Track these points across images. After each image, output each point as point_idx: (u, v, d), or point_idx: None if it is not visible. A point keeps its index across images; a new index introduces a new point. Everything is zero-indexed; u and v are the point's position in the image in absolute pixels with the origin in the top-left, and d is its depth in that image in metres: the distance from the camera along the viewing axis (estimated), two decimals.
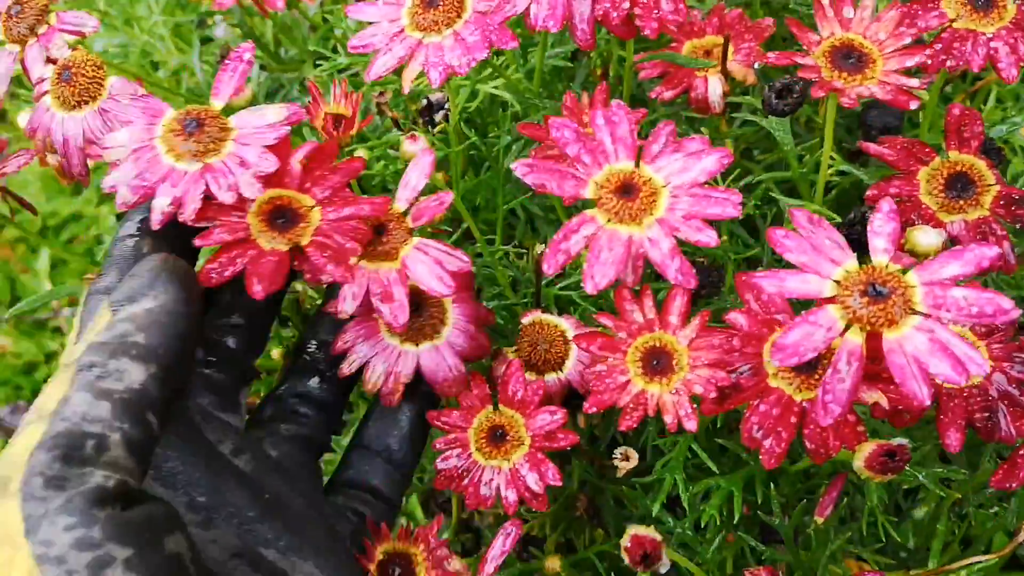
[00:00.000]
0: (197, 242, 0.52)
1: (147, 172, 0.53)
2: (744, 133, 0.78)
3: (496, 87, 0.71)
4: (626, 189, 0.52)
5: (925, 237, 0.52)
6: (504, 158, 0.73)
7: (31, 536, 0.41)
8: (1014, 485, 0.57)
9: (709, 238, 0.51)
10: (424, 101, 0.71)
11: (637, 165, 0.53)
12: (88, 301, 0.51)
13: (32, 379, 1.62)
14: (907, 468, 0.63)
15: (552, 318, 0.64)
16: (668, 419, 0.55)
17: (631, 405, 0.56)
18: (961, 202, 0.60)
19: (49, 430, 0.43)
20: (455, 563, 0.60)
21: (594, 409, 0.57)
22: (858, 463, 0.53)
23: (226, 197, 0.52)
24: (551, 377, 0.63)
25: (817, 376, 0.53)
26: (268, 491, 0.55)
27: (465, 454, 0.60)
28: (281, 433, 0.59)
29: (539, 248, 0.68)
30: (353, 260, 0.55)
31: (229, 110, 0.56)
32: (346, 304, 0.56)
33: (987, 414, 0.56)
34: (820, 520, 0.67)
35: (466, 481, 0.60)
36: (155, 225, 0.51)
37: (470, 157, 0.80)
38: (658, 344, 0.57)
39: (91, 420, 0.43)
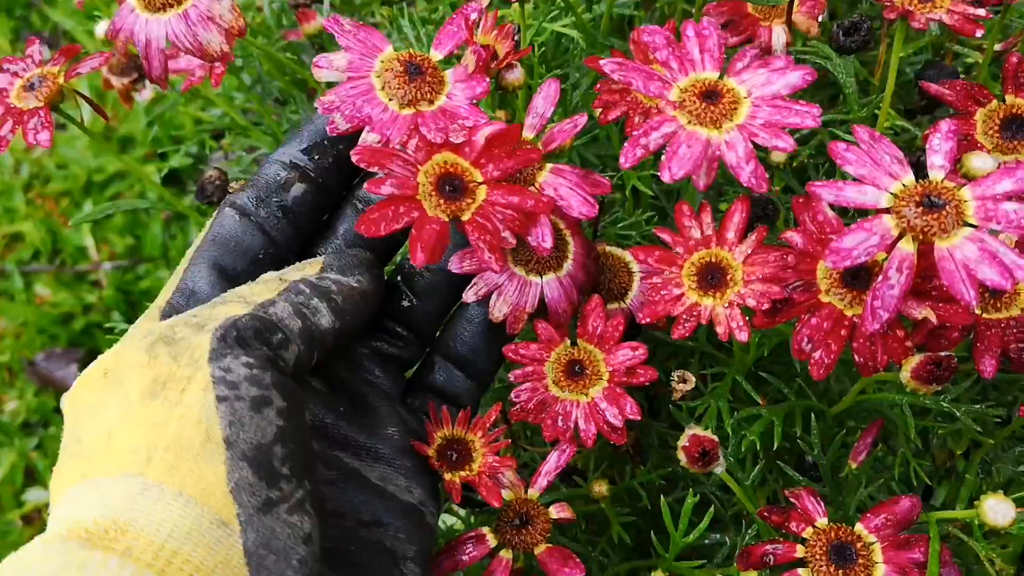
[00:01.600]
0: (369, 188, 0.54)
1: (362, 105, 0.57)
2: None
3: (564, 25, 0.74)
4: (709, 95, 0.55)
5: (980, 162, 0.54)
6: (571, 95, 0.75)
7: (214, 362, 0.48)
8: None
9: (786, 144, 0.53)
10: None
11: (721, 77, 0.56)
12: (221, 209, 0.58)
13: (68, 328, 1.65)
14: (944, 404, 0.65)
15: (616, 250, 0.66)
16: (720, 330, 0.57)
17: (684, 316, 0.58)
18: (1015, 142, 0.62)
19: (253, 312, 0.51)
20: (509, 475, 0.62)
21: (648, 320, 0.59)
22: (905, 374, 0.55)
23: (435, 137, 0.55)
24: (613, 307, 0.65)
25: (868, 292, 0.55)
26: (351, 397, 0.59)
27: (541, 387, 0.61)
28: (372, 348, 0.61)
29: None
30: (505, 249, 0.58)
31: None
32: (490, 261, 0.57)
33: (1022, 345, 0.58)
34: (854, 465, 0.69)
35: (544, 413, 0.61)
36: (355, 158, 0.54)
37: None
38: (714, 260, 0.59)
39: (285, 327, 0.51)
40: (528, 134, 0.60)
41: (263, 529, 0.46)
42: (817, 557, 0.57)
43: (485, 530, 0.61)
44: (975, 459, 0.74)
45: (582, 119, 0.60)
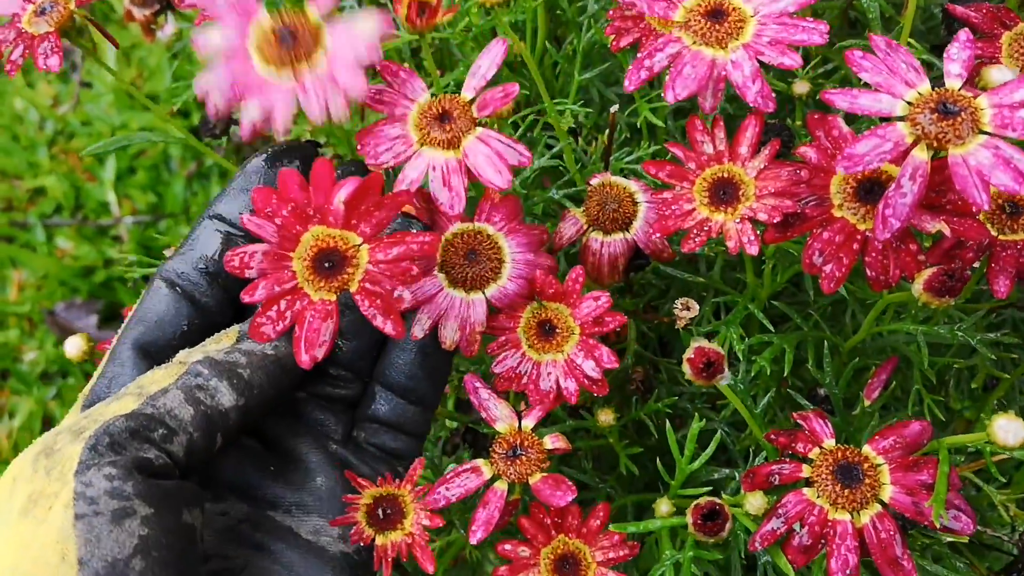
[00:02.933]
0: (244, 299, 0.53)
1: (240, 80, 0.53)
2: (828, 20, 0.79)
3: None
4: (714, 14, 0.54)
5: (999, 74, 0.54)
6: (585, 28, 0.75)
7: (78, 476, 0.48)
8: None
9: (793, 60, 0.53)
10: None
11: None
12: (200, 221, 0.58)
13: (89, 281, 1.65)
14: (960, 333, 0.65)
15: (621, 180, 0.65)
16: (730, 244, 0.56)
17: (695, 231, 0.57)
18: None
19: (139, 408, 0.51)
20: (504, 409, 0.61)
21: (658, 235, 0.58)
22: (917, 287, 0.55)
23: (314, 114, 0.51)
24: (617, 236, 0.65)
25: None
26: (282, 452, 0.58)
27: (518, 353, 0.61)
28: (312, 392, 0.60)
29: (613, 108, 0.70)
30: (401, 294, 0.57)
31: None
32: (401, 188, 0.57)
33: None
34: (868, 402, 0.68)
35: (525, 379, 0.60)
36: (244, 136, 0.52)
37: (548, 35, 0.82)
38: (726, 175, 0.58)
39: (172, 417, 0.51)
40: (467, 94, 0.59)
41: None
42: (823, 476, 0.56)
43: (480, 462, 0.60)
44: (991, 399, 0.73)
45: (513, 88, 0.58)
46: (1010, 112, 0.49)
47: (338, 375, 0.60)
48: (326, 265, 0.53)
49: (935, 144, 0.49)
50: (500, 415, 0.61)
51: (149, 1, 0.82)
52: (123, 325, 0.58)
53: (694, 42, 0.54)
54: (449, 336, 0.59)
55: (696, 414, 0.63)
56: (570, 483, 0.58)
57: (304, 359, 0.53)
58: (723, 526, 0.57)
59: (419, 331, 0.58)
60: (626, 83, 0.54)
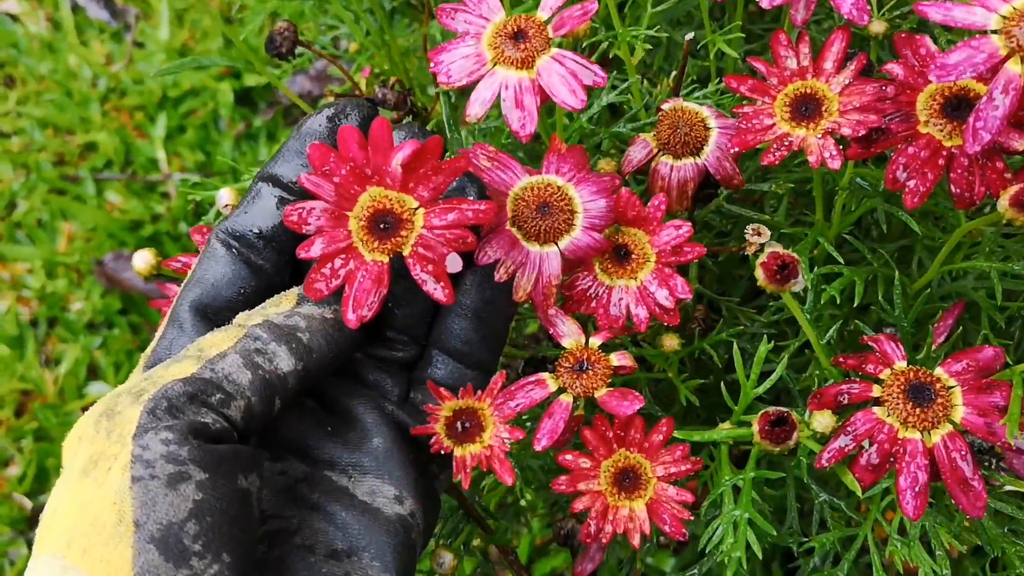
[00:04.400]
0: (300, 254, 0.52)
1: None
2: None
3: None
4: None
5: None
6: None
7: (136, 439, 0.48)
8: None
9: None
10: None
11: None
12: (255, 183, 0.57)
13: (137, 235, 1.67)
14: None
15: (693, 105, 0.65)
16: (811, 158, 0.56)
17: (775, 145, 0.57)
18: None
19: (197, 372, 0.50)
20: (571, 325, 0.61)
21: (736, 149, 0.58)
22: (1003, 202, 0.54)
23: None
24: (688, 161, 0.65)
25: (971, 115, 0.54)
26: (340, 413, 0.58)
27: (590, 276, 0.60)
28: (369, 354, 0.59)
29: (688, 35, 0.70)
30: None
31: None
32: (475, 108, 0.57)
33: None
34: (935, 346, 0.68)
35: (594, 303, 0.60)
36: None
37: None
38: (809, 91, 0.58)
39: (230, 381, 0.50)
40: (542, 14, 0.59)
41: None
42: (894, 396, 0.56)
43: (545, 375, 0.60)
44: None
45: (592, 5, 0.58)
46: None
47: (395, 338, 0.59)
48: (381, 226, 0.52)
49: None
50: (567, 331, 0.60)
51: None
52: (182, 286, 0.57)
53: None
54: (524, 287, 0.58)
55: (765, 337, 0.62)
56: (637, 394, 0.58)
57: (351, 318, 0.52)
58: (791, 433, 0.57)
59: (504, 273, 0.57)
60: None
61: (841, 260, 0.67)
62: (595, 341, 0.60)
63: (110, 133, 1.78)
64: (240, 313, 0.55)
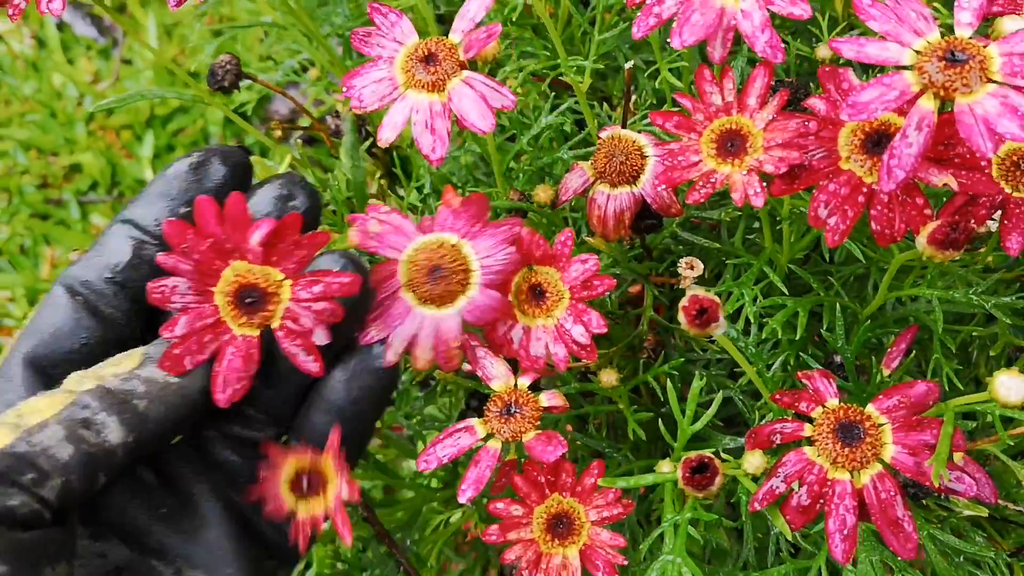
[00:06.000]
0: (164, 334, 0.49)
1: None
2: None
3: None
4: None
5: (1012, 23, 0.53)
6: None
7: None
8: None
9: (803, 10, 0.52)
10: None
11: None
12: (111, 226, 0.53)
13: None
14: (974, 297, 0.63)
15: (630, 133, 0.65)
16: (736, 196, 0.55)
17: (700, 182, 0.56)
18: None
19: (11, 445, 0.45)
20: (500, 367, 0.60)
21: (663, 186, 0.58)
22: (921, 240, 0.54)
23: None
24: (624, 190, 0.64)
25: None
26: (179, 494, 0.53)
27: (510, 319, 0.59)
28: (223, 431, 0.54)
29: (628, 64, 0.69)
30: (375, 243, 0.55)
31: None
32: (386, 132, 0.57)
33: None
34: (887, 372, 0.67)
35: (516, 345, 0.59)
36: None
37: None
38: (734, 127, 0.57)
39: (48, 457, 0.45)
40: (455, 38, 0.59)
41: None
42: (824, 435, 0.55)
43: (473, 421, 0.59)
44: (1021, 361, 0.72)
45: (496, 28, 0.58)
46: (1020, 60, 0.48)
47: (255, 416, 0.54)
48: (247, 301, 0.50)
49: (942, 93, 0.48)
50: (496, 373, 0.60)
51: None
52: (16, 336, 0.53)
53: None
54: (422, 357, 0.55)
55: (697, 373, 0.62)
56: (562, 438, 0.57)
57: (220, 397, 0.50)
58: (712, 480, 0.56)
59: (392, 356, 0.54)
60: (634, 30, 0.53)
61: (785, 291, 0.66)
62: (523, 382, 0.59)
63: (96, 154, 1.78)
64: (73, 374, 0.50)
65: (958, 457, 0.60)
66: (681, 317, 0.55)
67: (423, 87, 0.58)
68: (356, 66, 0.61)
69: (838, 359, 0.71)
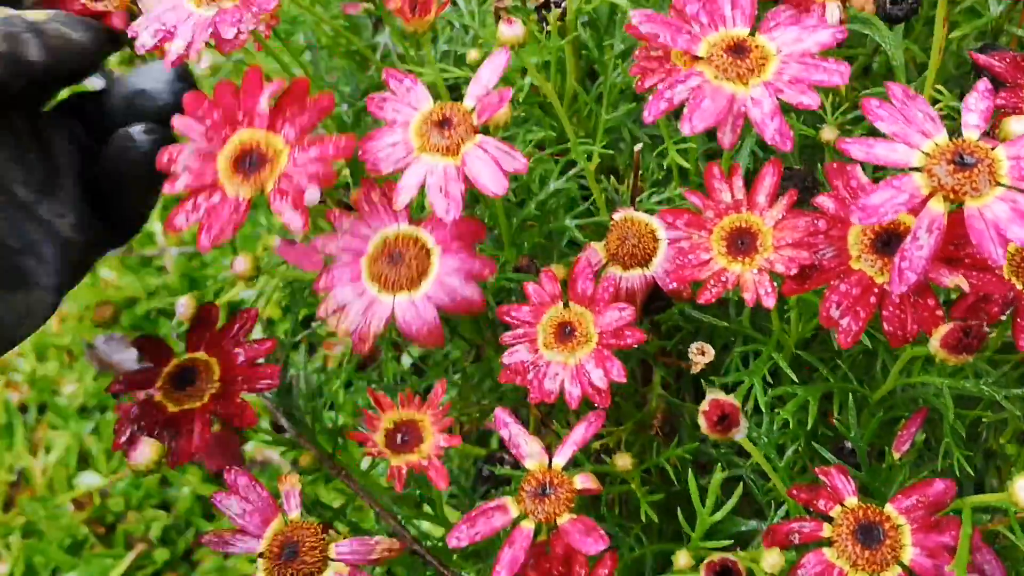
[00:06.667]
0: (165, 188, 0.55)
1: (168, 17, 0.58)
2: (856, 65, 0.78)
3: None
4: (737, 50, 0.53)
5: (1018, 125, 0.52)
6: (611, 69, 0.74)
7: None
8: None
9: (812, 100, 0.51)
10: None
11: (752, 34, 0.54)
12: None
13: (131, 312, 1.66)
14: (985, 388, 0.63)
15: (644, 216, 0.64)
16: (747, 296, 0.55)
17: (711, 281, 0.56)
18: None
19: None
20: (535, 446, 0.60)
21: (674, 284, 0.57)
22: (934, 343, 0.53)
23: (229, 33, 0.57)
24: (636, 273, 0.64)
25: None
26: (42, 146, 0.59)
27: (533, 349, 0.60)
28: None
29: (637, 147, 0.69)
30: (347, 225, 0.58)
31: None
32: (402, 196, 0.57)
33: None
34: (897, 455, 0.66)
35: (531, 375, 0.60)
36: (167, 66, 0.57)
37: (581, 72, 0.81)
38: (744, 225, 0.57)
39: None
40: (468, 103, 0.59)
41: None
42: (843, 536, 0.55)
43: (507, 499, 0.59)
44: None
45: (508, 92, 0.59)
46: None
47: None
48: (247, 164, 0.54)
49: (951, 196, 0.48)
50: (531, 451, 0.60)
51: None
52: None
53: (715, 76, 0.53)
54: (344, 326, 0.58)
55: (719, 464, 0.61)
56: (602, 532, 0.57)
57: (205, 243, 0.53)
58: None
59: (322, 312, 0.58)
60: (645, 114, 0.53)
61: (795, 377, 0.65)
62: (558, 461, 0.59)
63: None
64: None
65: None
66: (702, 421, 0.55)
67: (438, 151, 0.58)
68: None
69: (849, 445, 0.70)
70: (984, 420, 0.71)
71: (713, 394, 0.55)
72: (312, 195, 0.53)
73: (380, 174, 0.58)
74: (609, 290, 0.61)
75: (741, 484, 0.61)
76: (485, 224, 0.62)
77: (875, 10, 0.66)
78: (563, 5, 0.71)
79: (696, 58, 0.54)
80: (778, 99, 0.52)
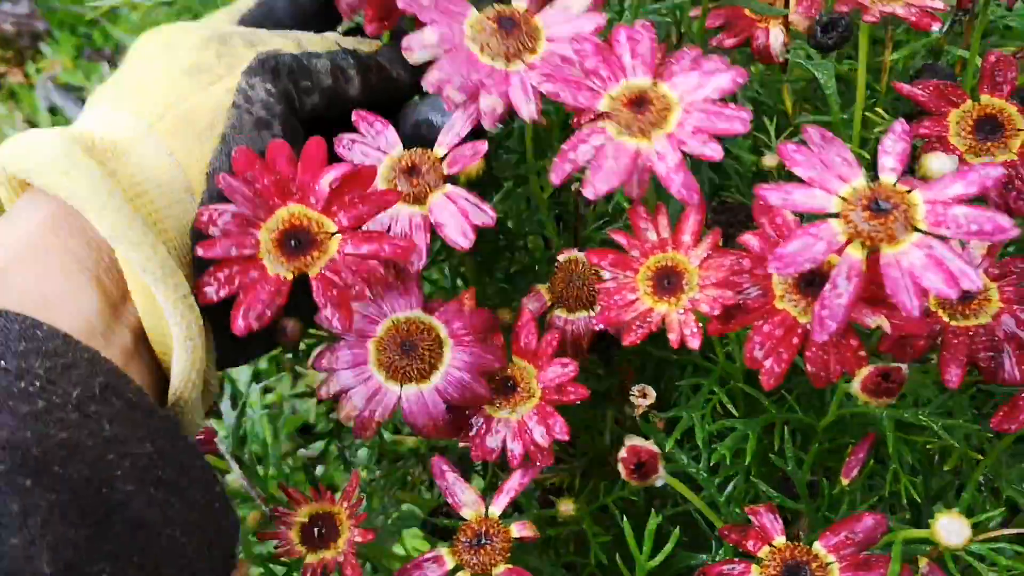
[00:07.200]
0: (199, 252, 0.52)
1: (468, 72, 0.57)
2: (799, 87, 0.78)
3: None
4: (639, 102, 0.52)
5: (938, 163, 0.52)
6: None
7: (246, 75, 0.57)
8: (1013, 427, 0.56)
9: (714, 151, 0.51)
10: None
11: (655, 83, 0.54)
12: None
13: None
14: (923, 418, 0.63)
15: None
16: (672, 336, 0.55)
17: (636, 322, 0.56)
18: (989, 144, 0.59)
19: (300, 56, 0.60)
20: (470, 494, 0.60)
21: (601, 326, 0.57)
22: (855, 387, 0.53)
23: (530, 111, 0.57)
24: (582, 315, 0.64)
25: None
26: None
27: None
28: None
29: (575, 187, 0.69)
30: (356, 306, 0.56)
31: None
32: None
33: (992, 354, 0.55)
34: (846, 482, 0.66)
35: (473, 431, 0.59)
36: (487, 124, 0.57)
37: None
38: (670, 264, 0.57)
39: (317, 78, 0.60)
40: (439, 151, 0.59)
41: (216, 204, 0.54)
42: None
43: (443, 551, 0.59)
44: (973, 477, 0.71)
45: (483, 145, 0.59)
46: (944, 209, 0.47)
47: None
48: (292, 243, 0.52)
49: (868, 242, 0.48)
50: (466, 500, 0.60)
51: None
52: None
53: (618, 132, 0.52)
54: (346, 411, 0.58)
55: (654, 506, 0.61)
56: None
57: (239, 325, 0.51)
58: None
59: (324, 392, 0.58)
60: (552, 176, 0.52)
61: (735, 411, 0.65)
62: (495, 510, 0.59)
63: None
64: (331, 33, 0.64)
65: (922, 564, 0.59)
66: (620, 468, 0.55)
67: (405, 199, 0.58)
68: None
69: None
70: (929, 447, 0.71)
71: (631, 440, 0.55)
72: (358, 298, 0.52)
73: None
74: (553, 343, 0.60)
75: (677, 529, 0.60)
76: (497, 322, 0.62)
77: (807, 41, 0.65)
78: None
79: (600, 115, 0.53)
80: (683, 152, 0.51)
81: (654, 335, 0.65)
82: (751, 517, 0.57)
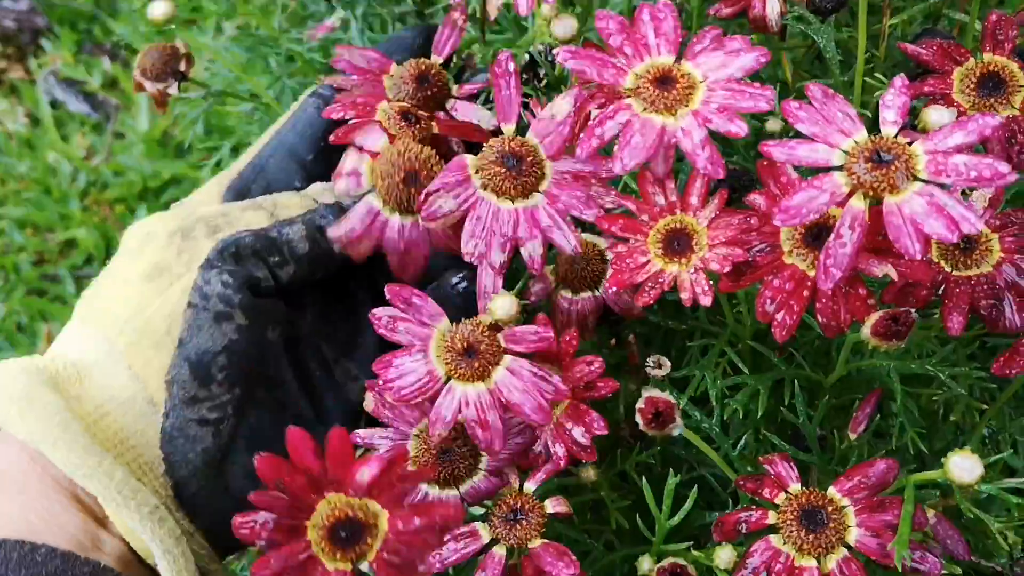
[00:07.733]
0: (254, 570, 0.48)
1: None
2: (797, 57, 0.80)
3: None
4: (664, 80, 0.54)
5: (937, 115, 0.53)
6: None
7: (203, 270, 0.57)
8: (1013, 372, 0.58)
9: (739, 128, 0.53)
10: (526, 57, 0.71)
11: (678, 61, 0.56)
12: (305, 98, 0.66)
13: None
14: (930, 368, 0.64)
15: (590, 237, 0.66)
16: (684, 295, 0.56)
17: (649, 283, 0.57)
18: (992, 100, 0.61)
19: (265, 230, 0.59)
20: (506, 471, 0.61)
21: (613, 288, 0.59)
22: (865, 331, 0.55)
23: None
24: (586, 295, 0.65)
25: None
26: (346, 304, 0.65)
27: None
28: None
29: None
30: None
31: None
32: (437, 430, 0.57)
33: (993, 302, 0.57)
34: (854, 436, 0.68)
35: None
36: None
37: None
38: (679, 225, 0.58)
39: (290, 248, 0.59)
40: (484, 318, 0.59)
41: (181, 417, 0.56)
42: (788, 522, 0.57)
43: (478, 525, 0.60)
44: (978, 428, 0.73)
45: (549, 333, 0.58)
46: (944, 158, 0.49)
47: None
48: (342, 535, 0.49)
49: (871, 193, 0.49)
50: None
51: (162, 76, 0.81)
52: (274, 127, 0.66)
53: (644, 109, 0.54)
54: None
55: (684, 465, 0.63)
56: (573, 557, 0.58)
57: None
58: None
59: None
60: (578, 151, 0.54)
61: (745, 369, 0.67)
62: (529, 487, 0.60)
63: (90, 228, 1.79)
64: (316, 184, 0.63)
65: (930, 514, 0.61)
66: (638, 419, 0.57)
67: (466, 378, 0.57)
68: None
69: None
70: (935, 399, 0.73)
71: (648, 392, 0.57)
72: (423, 569, 0.50)
73: (406, 401, 0.57)
74: (573, 343, 0.60)
75: (695, 489, 0.62)
76: None
77: (806, 5, 0.67)
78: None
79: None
80: (707, 128, 0.53)
81: (661, 304, 0.67)
82: (766, 467, 0.59)
